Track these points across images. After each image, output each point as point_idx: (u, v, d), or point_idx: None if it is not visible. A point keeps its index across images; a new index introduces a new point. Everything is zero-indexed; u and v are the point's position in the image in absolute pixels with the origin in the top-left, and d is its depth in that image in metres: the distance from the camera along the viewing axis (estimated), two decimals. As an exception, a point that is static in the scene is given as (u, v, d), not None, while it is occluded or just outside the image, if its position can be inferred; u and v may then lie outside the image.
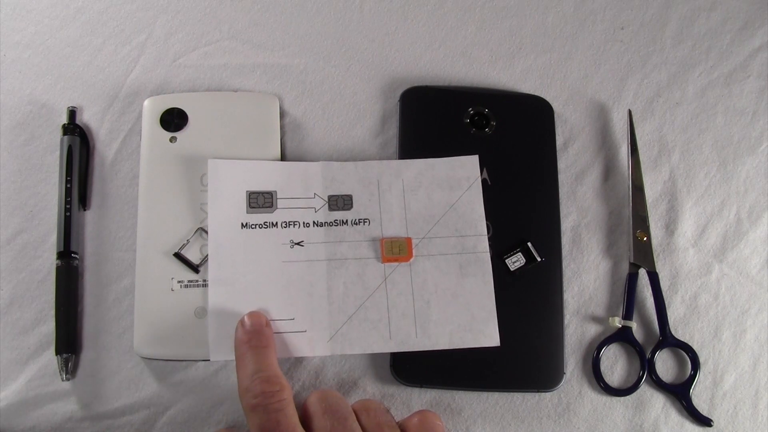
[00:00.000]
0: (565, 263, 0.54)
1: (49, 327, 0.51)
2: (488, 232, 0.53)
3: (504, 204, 0.54)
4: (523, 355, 0.52)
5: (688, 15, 0.63)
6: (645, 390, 0.53)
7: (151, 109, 0.54)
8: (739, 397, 0.53)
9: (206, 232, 0.51)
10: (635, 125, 0.58)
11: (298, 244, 0.52)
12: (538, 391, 0.52)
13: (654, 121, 0.59)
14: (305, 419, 0.44)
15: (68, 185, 0.53)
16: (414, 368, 0.51)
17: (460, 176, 0.54)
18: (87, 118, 0.56)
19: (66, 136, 0.54)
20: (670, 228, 0.57)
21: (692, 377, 0.53)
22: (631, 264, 0.55)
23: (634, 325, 0.53)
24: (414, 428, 0.46)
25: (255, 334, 0.47)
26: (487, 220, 0.53)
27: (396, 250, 0.52)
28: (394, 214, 0.53)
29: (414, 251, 0.52)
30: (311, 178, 0.53)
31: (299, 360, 0.52)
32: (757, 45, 0.62)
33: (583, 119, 0.59)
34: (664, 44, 0.62)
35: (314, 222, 0.52)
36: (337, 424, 0.44)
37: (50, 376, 0.50)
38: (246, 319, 0.48)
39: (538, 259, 0.53)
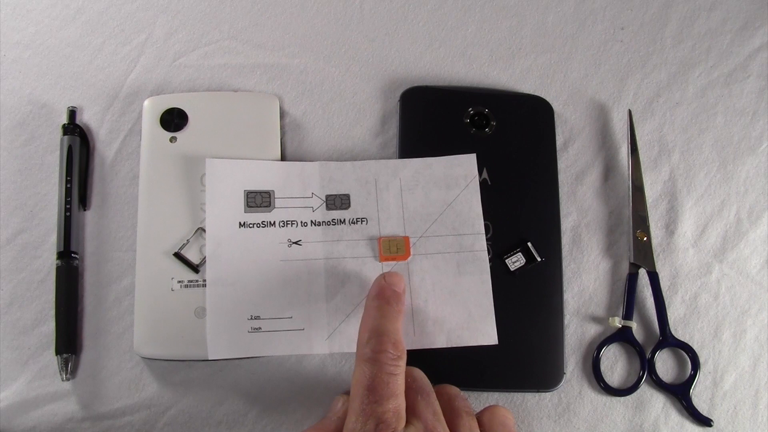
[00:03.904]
0: (565, 263, 0.54)
1: (49, 327, 0.51)
2: (488, 233, 0.53)
3: (504, 204, 0.54)
4: (523, 355, 0.52)
5: (688, 15, 0.63)
6: (645, 390, 0.53)
7: (151, 109, 0.54)
8: (739, 397, 0.53)
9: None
10: (635, 125, 0.58)
11: (296, 243, 0.52)
12: (538, 391, 0.52)
13: (654, 121, 0.59)
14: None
15: (68, 185, 0.53)
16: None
17: (458, 175, 0.54)
18: (87, 118, 0.56)
19: (66, 136, 0.54)
20: (670, 228, 0.57)
21: (692, 377, 0.53)
22: (631, 264, 0.55)
23: (634, 325, 0.53)
24: (486, 419, 0.46)
25: (394, 294, 0.47)
26: (487, 220, 0.53)
27: (394, 249, 0.52)
28: (392, 213, 0.53)
29: (412, 250, 0.52)
30: (309, 177, 0.54)
31: (300, 360, 0.52)
32: (757, 45, 0.62)
33: (583, 119, 0.59)
34: (664, 44, 0.62)
35: (312, 221, 0.52)
36: (422, 401, 0.44)
37: (50, 377, 0.50)
38: (391, 276, 0.48)
39: (538, 259, 0.53)
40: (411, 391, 0.44)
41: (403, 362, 0.44)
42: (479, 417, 0.46)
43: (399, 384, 0.43)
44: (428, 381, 0.46)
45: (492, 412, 0.47)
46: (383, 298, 0.47)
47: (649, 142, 0.59)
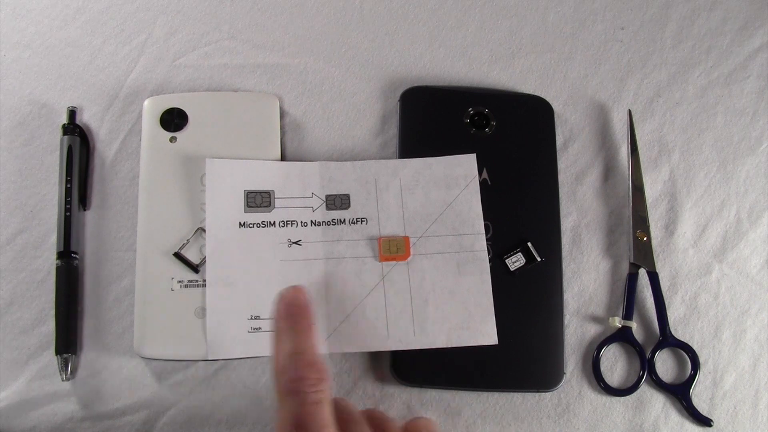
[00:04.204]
0: (565, 263, 0.54)
1: (49, 327, 0.51)
2: (488, 233, 0.53)
3: (504, 204, 0.54)
4: (523, 355, 0.52)
5: (688, 15, 0.63)
6: (645, 390, 0.53)
7: (151, 109, 0.54)
8: (739, 397, 0.53)
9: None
10: (635, 125, 0.58)
11: (296, 243, 0.52)
12: (538, 391, 0.52)
13: (654, 121, 0.59)
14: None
15: (68, 185, 0.53)
16: (414, 368, 0.51)
17: (458, 175, 0.54)
18: (87, 118, 0.56)
19: (66, 136, 0.54)
20: (670, 228, 0.57)
21: (692, 377, 0.53)
22: (631, 264, 0.55)
23: (634, 325, 0.53)
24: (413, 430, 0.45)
25: (299, 309, 0.43)
26: (487, 220, 0.53)
27: (394, 249, 0.52)
28: (392, 213, 0.53)
29: (411, 250, 0.52)
30: (309, 177, 0.54)
31: (299, 360, 0.52)
32: (757, 45, 0.62)
33: (583, 119, 0.59)
34: (664, 44, 0.62)
35: (312, 221, 0.52)
36: (357, 430, 0.42)
37: (50, 376, 0.50)
38: (288, 291, 0.44)
39: (538, 259, 0.53)
40: (342, 422, 0.41)
41: (326, 385, 0.40)
42: (407, 426, 0.45)
43: (327, 412, 0.39)
44: (355, 408, 0.44)
45: (414, 425, 0.45)
46: (289, 316, 0.43)
47: (649, 142, 0.59)
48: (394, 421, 0.45)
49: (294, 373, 0.40)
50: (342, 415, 0.42)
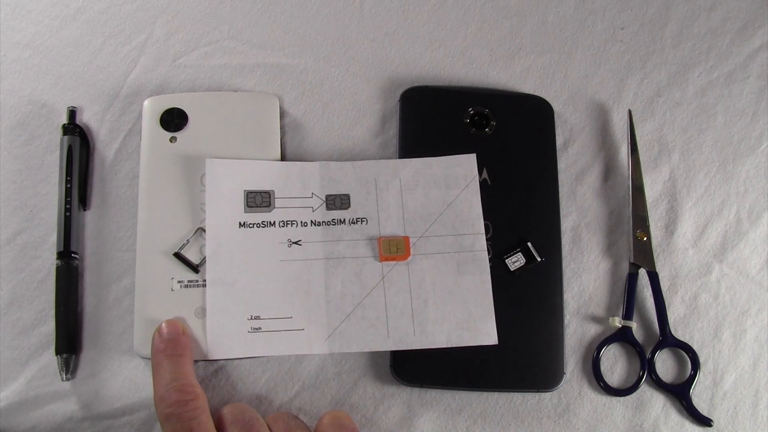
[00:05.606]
0: (565, 263, 0.54)
1: (49, 327, 0.51)
2: (488, 232, 0.53)
3: (504, 204, 0.54)
4: (523, 355, 0.52)
5: (688, 15, 0.63)
6: (645, 390, 0.53)
7: (151, 109, 0.54)
8: (739, 397, 0.53)
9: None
10: (635, 125, 0.58)
11: (296, 243, 0.52)
12: (538, 391, 0.52)
13: (654, 121, 0.59)
14: (217, 429, 0.45)
15: (68, 185, 0.53)
16: (414, 368, 0.51)
17: (458, 175, 0.54)
18: (87, 118, 0.56)
19: (66, 136, 0.54)
20: (670, 228, 0.57)
21: (692, 377, 0.53)
22: (631, 264, 0.55)
23: (634, 325, 0.53)
24: (324, 427, 0.47)
25: (171, 343, 0.48)
26: (487, 220, 0.53)
27: (394, 249, 0.52)
28: (392, 213, 0.53)
29: (411, 250, 0.52)
30: (309, 177, 0.54)
31: (299, 360, 0.52)
32: (757, 45, 0.62)
33: (583, 119, 0.59)
34: (664, 44, 0.62)
35: (312, 221, 0.52)
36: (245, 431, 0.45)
37: (50, 376, 0.50)
38: (163, 327, 0.48)
39: (538, 259, 0.53)
40: (235, 424, 0.45)
41: (198, 402, 0.45)
42: (318, 423, 0.47)
43: (204, 423, 0.44)
44: (254, 412, 0.47)
45: (328, 419, 0.47)
46: (161, 352, 0.47)
47: (649, 142, 0.59)
48: (299, 419, 0.48)
49: (170, 398, 0.45)
50: (241, 417, 0.46)
